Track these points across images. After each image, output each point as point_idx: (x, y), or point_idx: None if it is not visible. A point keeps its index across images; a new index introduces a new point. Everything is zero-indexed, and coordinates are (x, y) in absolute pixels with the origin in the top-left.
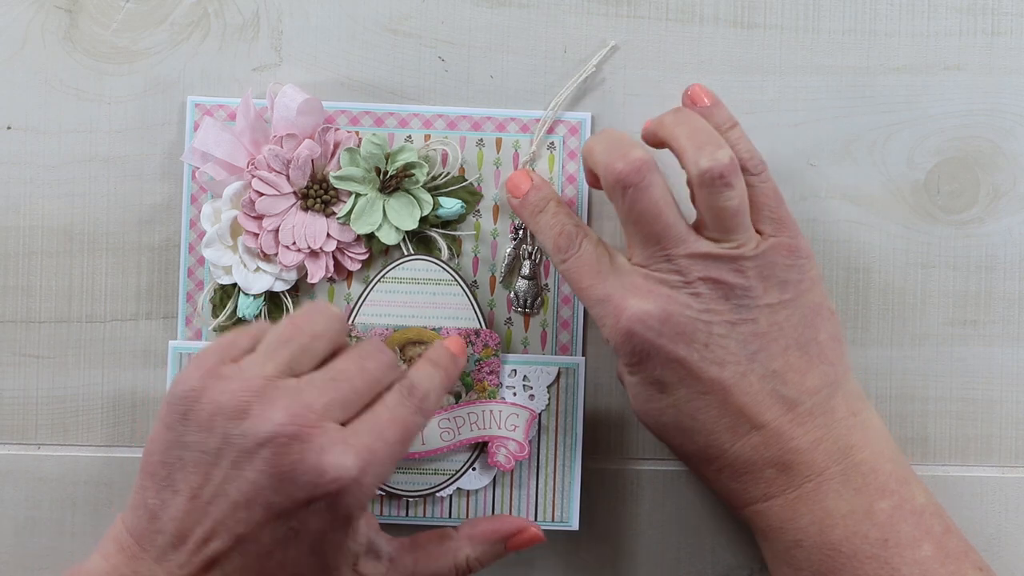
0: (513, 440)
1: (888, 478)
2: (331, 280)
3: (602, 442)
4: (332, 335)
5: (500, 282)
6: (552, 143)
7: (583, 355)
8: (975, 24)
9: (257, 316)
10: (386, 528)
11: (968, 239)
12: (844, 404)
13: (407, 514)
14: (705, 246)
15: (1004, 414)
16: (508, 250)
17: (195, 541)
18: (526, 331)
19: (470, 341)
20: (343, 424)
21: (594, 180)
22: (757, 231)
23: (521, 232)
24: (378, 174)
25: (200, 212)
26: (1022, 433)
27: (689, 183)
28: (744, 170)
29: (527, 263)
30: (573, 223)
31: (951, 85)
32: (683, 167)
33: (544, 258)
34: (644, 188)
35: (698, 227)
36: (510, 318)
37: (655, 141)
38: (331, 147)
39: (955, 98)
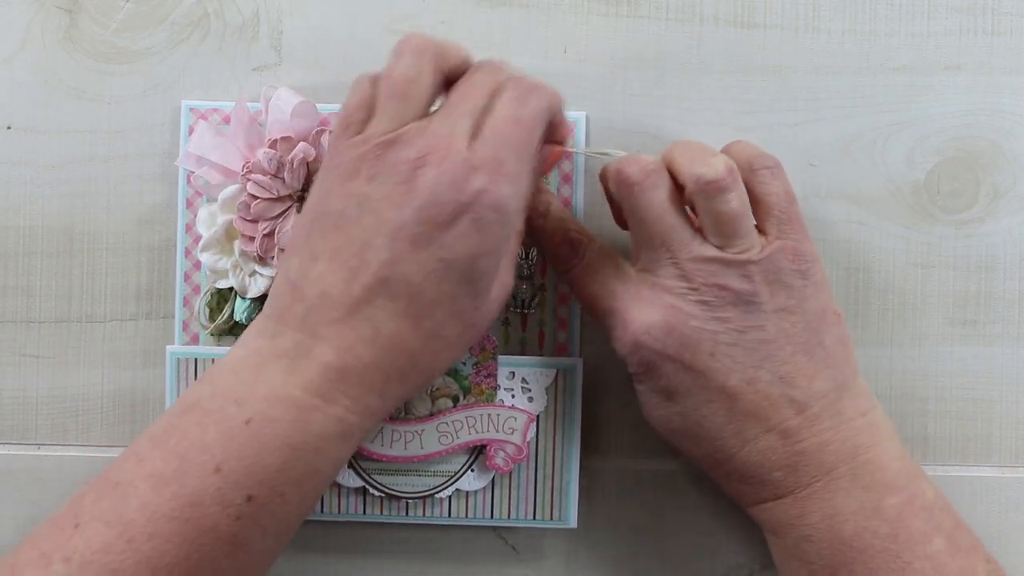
0: (511, 443)
1: (896, 475)
2: None
3: (602, 442)
4: (429, 69)
5: None
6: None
7: (580, 355)
8: (975, 24)
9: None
10: (388, 528)
11: (968, 239)
12: (852, 405)
13: (407, 514)
14: (710, 251)
15: (1004, 414)
16: None
17: (336, 295)
18: (523, 331)
19: None
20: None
21: (619, 211)
22: (762, 232)
23: None
24: None
25: (196, 216)
26: (1022, 433)
27: (688, 196)
28: (753, 165)
29: (524, 264)
30: (575, 229)
31: (951, 85)
32: (682, 183)
33: (541, 258)
34: (648, 188)
35: (702, 236)
36: (507, 318)
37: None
38: (326, 150)
39: (955, 98)
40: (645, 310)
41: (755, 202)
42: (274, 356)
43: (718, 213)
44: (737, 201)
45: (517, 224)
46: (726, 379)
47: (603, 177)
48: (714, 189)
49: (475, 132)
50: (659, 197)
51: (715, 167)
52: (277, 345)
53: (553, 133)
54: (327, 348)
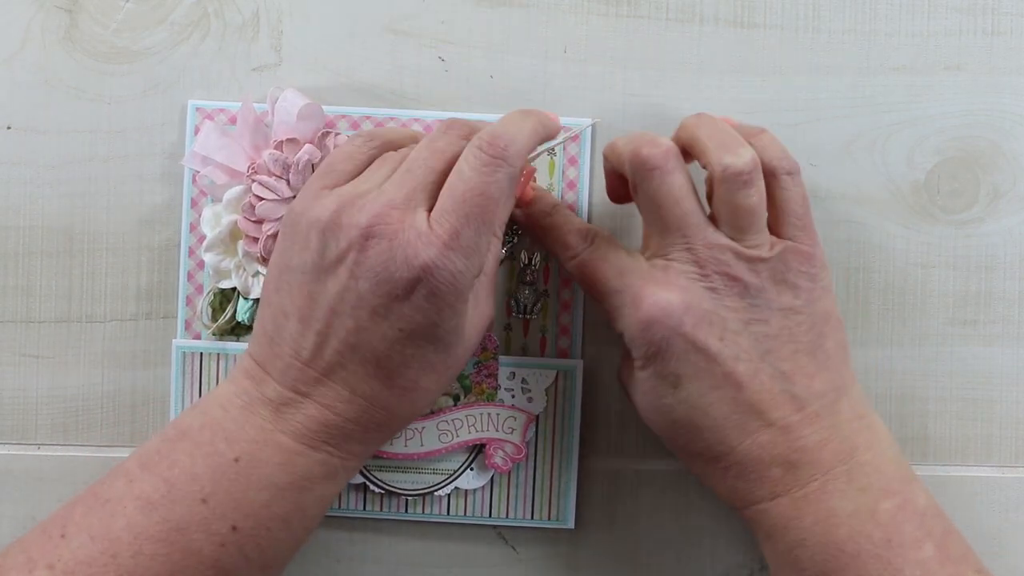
0: (510, 442)
1: (891, 479)
2: None
3: (602, 442)
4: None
5: None
6: (552, 149)
7: (581, 359)
8: (975, 24)
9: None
10: (386, 525)
11: (968, 239)
12: (849, 408)
13: (406, 511)
14: (723, 239)
15: (1004, 414)
16: (503, 251)
17: (308, 357)
18: (525, 337)
19: None
20: (432, 208)
21: (614, 185)
22: (776, 234)
23: (516, 238)
24: None
25: (200, 216)
26: (1022, 433)
27: (708, 181)
28: (776, 170)
29: (528, 270)
30: (583, 222)
31: (951, 85)
32: (704, 166)
33: (544, 263)
34: (669, 171)
35: (714, 224)
36: (509, 324)
37: (678, 145)
38: (331, 152)
39: (955, 98)
40: (660, 289)
41: (772, 205)
42: (260, 402)
43: (738, 206)
44: (757, 196)
45: (471, 287)
46: (735, 365)
47: (610, 155)
48: (740, 182)
49: (433, 200)
50: (679, 181)
51: (744, 158)
52: (263, 392)
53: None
54: (308, 403)
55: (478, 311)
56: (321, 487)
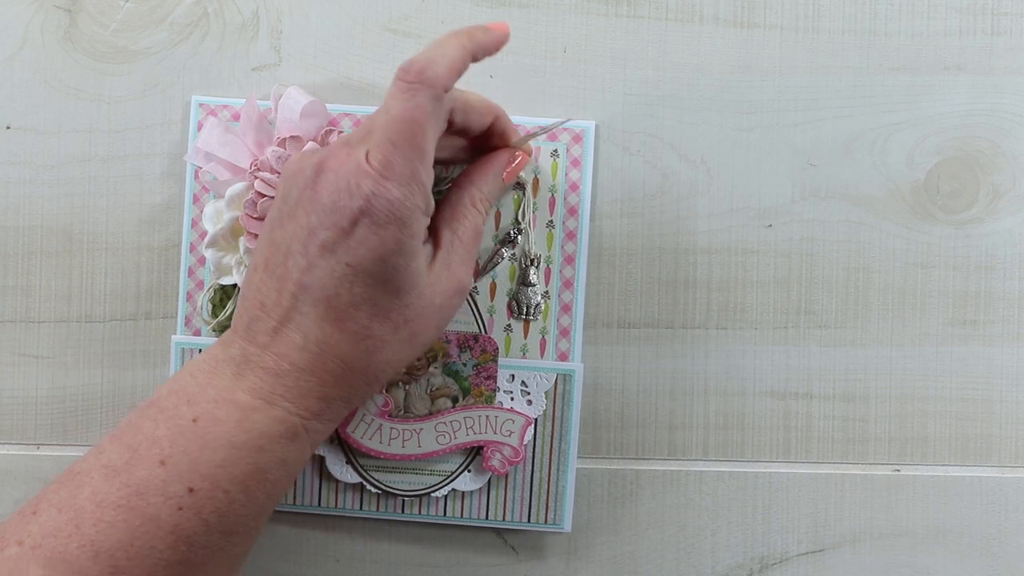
0: (508, 445)
1: None
2: None
3: (602, 442)
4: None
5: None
6: (556, 150)
7: (581, 362)
8: (975, 24)
9: None
10: (386, 525)
11: (968, 239)
12: None
13: (403, 511)
14: None
15: (1004, 414)
16: (504, 253)
17: (270, 305)
18: (525, 338)
19: (468, 346)
20: None
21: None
22: None
23: (512, 232)
24: None
25: (202, 212)
26: (1022, 433)
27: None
28: None
29: (532, 271)
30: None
31: (951, 85)
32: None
33: (547, 265)
34: None
35: None
36: (509, 325)
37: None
38: None
39: (955, 98)
40: None
41: None
42: (224, 362)
43: None
44: None
45: (422, 221)
46: None
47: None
48: None
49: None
50: None
51: None
52: (228, 352)
53: (504, 131)
54: (266, 355)
55: (448, 274)
56: (281, 448)
